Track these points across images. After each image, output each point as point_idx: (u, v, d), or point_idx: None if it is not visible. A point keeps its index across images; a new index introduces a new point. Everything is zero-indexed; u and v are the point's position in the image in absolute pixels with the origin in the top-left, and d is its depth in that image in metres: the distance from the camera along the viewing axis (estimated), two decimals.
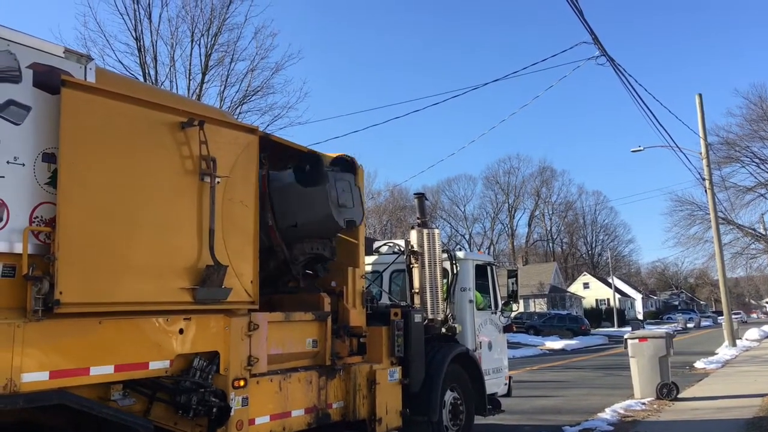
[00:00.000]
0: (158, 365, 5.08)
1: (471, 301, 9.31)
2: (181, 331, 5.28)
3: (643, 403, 12.67)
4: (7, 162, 4.33)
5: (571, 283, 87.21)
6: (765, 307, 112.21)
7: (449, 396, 8.38)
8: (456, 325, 8.80)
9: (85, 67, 4.89)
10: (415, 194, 9.60)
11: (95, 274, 4.64)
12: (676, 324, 62.60)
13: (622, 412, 11.82)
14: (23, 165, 4.41)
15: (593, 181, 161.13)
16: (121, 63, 23.99)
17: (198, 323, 5.44)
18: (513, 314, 10.32)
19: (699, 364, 21.61)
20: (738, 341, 30.89)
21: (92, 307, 4.60)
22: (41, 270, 4.37)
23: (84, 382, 4.56)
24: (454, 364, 8.39)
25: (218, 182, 5.59)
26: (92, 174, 4.69)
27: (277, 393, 6.22)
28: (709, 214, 44.99)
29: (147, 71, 24.32)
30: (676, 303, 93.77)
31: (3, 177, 4.29)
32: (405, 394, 7.65)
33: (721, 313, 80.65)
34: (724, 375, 18.84)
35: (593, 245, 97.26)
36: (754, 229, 52.07)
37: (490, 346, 9.67)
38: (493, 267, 10.08)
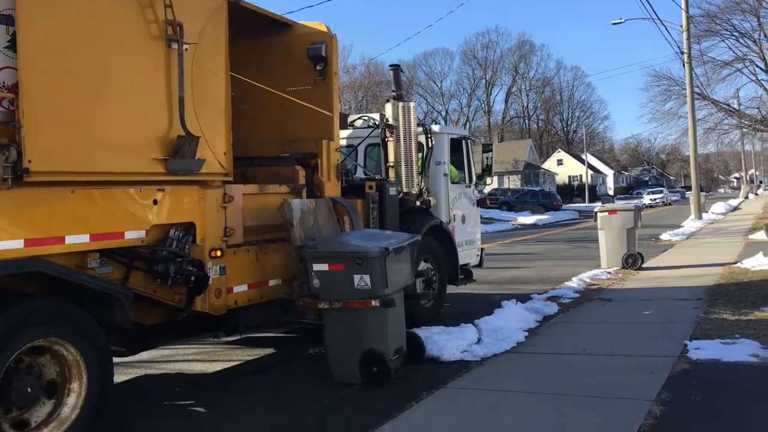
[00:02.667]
0: (134, 235, 5.11)
1: (445, 175, 9.36)
2: (155, 202, 5.27)
3: (609, 273, 13.06)
4: None
5: (545, 160, 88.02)
6: (732, 182, 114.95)
7: (423, 266, 8.60)
8: (430, 199, 8.89)
9: None
10: (390, 66, 9.39)
11: (64, 143, 4.55)
12: (643, 199, 63.93)
13: (588, 280, 12.18)
14: None
15: (572, 56, 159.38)
16: None
17: (172, 194, 5.43)
18: (487, 189, 10.42)
19: (664, 236, 22.03)
20: (704, 214, 31.69)
21: (62, 176, 4.54)
22: (7, 138, 4.26)
23: (60, 250, 4.57)
24: (428, 236, 8.54)
25: (186, 49, 5.40)
26: (54, 37, 4.48)
27: (254, 263, 6.33)
28: (685, 89, 44.99)
29: None
30: (647, 179, 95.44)
31: None
32: None
33: (689, 188, 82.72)
34: (688, 246, 19.37)
35: (569, 122, 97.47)
36: (728, 105, 52.24)
37: (463, 219, 9.83)
38: (468, 141, 10.07)
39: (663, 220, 32.34)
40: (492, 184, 10.43)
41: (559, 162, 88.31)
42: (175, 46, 5.32)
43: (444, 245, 8.99)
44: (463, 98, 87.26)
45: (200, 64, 5.61)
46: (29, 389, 4.43)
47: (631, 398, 5.42)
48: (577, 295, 10.79)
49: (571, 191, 72.83)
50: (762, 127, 52.79)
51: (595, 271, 13.25)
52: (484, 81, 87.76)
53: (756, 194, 66.70)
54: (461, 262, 9.47)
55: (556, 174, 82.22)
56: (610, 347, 7.23)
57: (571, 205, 59.55)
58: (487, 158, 10.14)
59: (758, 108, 52.97)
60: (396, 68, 9.20)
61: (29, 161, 4.28)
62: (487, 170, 10.17)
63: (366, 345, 6.04)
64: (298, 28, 7.71)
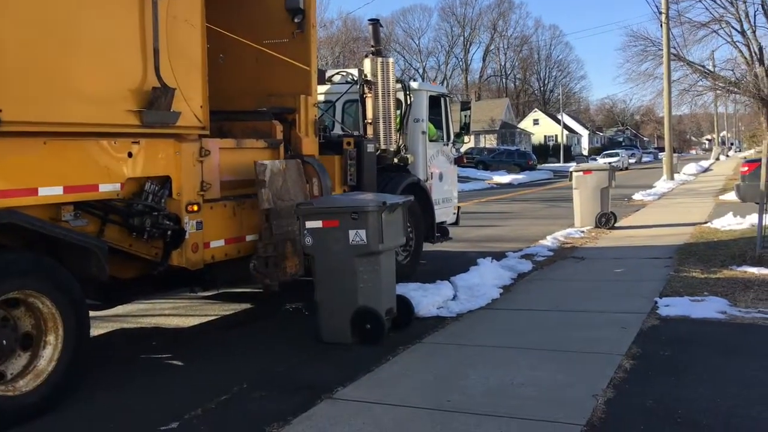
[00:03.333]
0: (108, 188, 5.03)
1: (424, 133, 9.32)
2: (130, 155, 5.20)
3: (582, 231, 13.24)
4: None
5: (521, 120, 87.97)
6: (704, 143, 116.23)
7: None
8: (408, 156, 8.86)
9: None
10: (369, 20, 9.24)
11: (35, 92, 4.45)
12: (619, 159, 64.17)
13: (561, 239, 12.35)
14: None
15: (551, 14, 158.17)
16: None
17: (147, 147, 5.35)
18: (464, 147, 10.41)
19: (637, 196, 22.23)
20: (676, 175, 32.05)
21: (34, 126, 4.45)
22: None
23: (32, 202, 4.50)
24: (404, 193, 8.53)
25: None
26: None
27: (231, 218, 6.29)
28: (661, 49, 45.02)
29: None
30: (621, 139, 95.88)
31: None
32: None
33: (662, 149, 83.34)
34: (660, 206, 19.61)
35: (546, 81, 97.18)
36: (703, 66, 52.58)
37: (440, 177, 9.83)
38: (447, 99, 10.01)
39: (635, 181, 32.68)
40: (469, 142, 10.40)
41: (536, 122, 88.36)
42: None
43: (421, 203, 9.00)
44: (441, 56, 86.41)
45: (175, 13, 5.48)
46: (4, 341, 4.41)
47: (602, 353, 5.55)
48: (551, 253, 10.92)
49: (547, 151, 73.00)
50: (735, 89, 53.30)
51: (568, 230, 13.40)
52: (462, 38, 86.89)
53: (727, 156, 67.57)
54: (438, 220, 9.50)
55: (532, 134, 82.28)
56: (582, 304, 7.35)
57: (547, 165, 59.79)
58: (465, 116, 10.10)
59: (732, 70, 53.31)
60: (375, 23, 9.07)
61: (0, 110, 4.18)
62: (465, 128, 10.14)
63: (361, 301, 6.00)
64: None
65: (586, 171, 14.18)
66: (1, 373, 4.43)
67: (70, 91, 4.68)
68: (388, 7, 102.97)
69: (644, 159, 71.10)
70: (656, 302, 7.06)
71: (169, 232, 5.47)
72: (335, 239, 5.98)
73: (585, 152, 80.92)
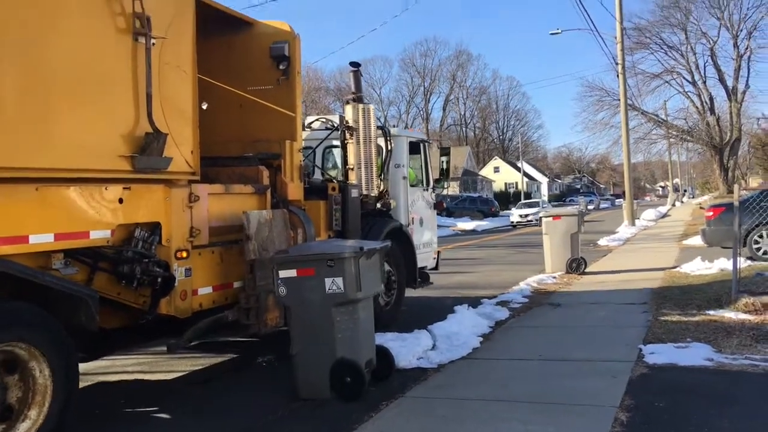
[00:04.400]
0: (99, 234, 4.90)
1: (405, 178, 9.36)
2: (120, 201, 5.08)
3: (554, 277, 13.17)
4: None
5: (482, 167, 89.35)
6: (658, 190, 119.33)
7: (384, 269, 8.54)
8: (391, 201, 8.86)
9: None
10: (350, 64, 9.29)
11: (27, 137, 4.33)
12: (578, 206, 65.48)
13: (535, 285, 12.24)
14: None
15: (508, 66, 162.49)
16: None
17: (138, 193, 5.24)
18: (444, 192, 10.47)
19: (602, 242, 22.41)
20: (636, 221, 32.66)
21: (27, 172, 4.33)
22: None
23: (23, 250, 4.34)
24: (387, 238, 8.50)
25: (153, 44, 5.23)
26: (15, 29, 4.26)
27: (219, 265, 6.17)
28: (616, 99, 46.35)
29: None
30: (579, 186, 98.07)
31: None
32: None
33: (619, 196, 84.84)
34: (626, 251, 19.84)
35: (504, 130, 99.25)
36: (656, 115, 54.50)
37: (421, 222, 9.84)
38: (426, 144, 10.10)
39: (598, 227, 33.16)
40: (449, 188, 10.45)
41: (496, 169, 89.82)
42: (142, 40, 5.14)
43: (403, 248, 8.98)
44: (402, 105, 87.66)
45: (167, 59, 5.44)
46: None
47: (594, 405, 5.32)
48: (526, 300, 10.80)
49: (508, 198, 74.11)
50: (689, 138, 55.20)
51: (540, 276, 13.33)
52: (422, 88, 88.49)
53: (682, 202, 69.32)
54: (419, 264, 9.48)
55: (493, 181, 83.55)
56: (565, 352, 7.16)
57: (508, 211, 60.47)
58: (444, 162, 10.19)
59: (685, 119, 55.49)
60: (356, 71, 9.15)
61: None
62: (444, 174, 10.22)
63: (339, 353, 5.66)
64: (259, 26, 7.57)
65: (556, 216, 14.20)
66: None
67: (63, 137, 4.56)
68: (349, 58, 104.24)
69: (602, 205, 72.55)
70: (641, 349, 6.91)
71: (159, 280, 5.32)
72: (311, 288, 5.67)
73: (545, 198, 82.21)
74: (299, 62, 7.51)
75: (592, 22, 61.49)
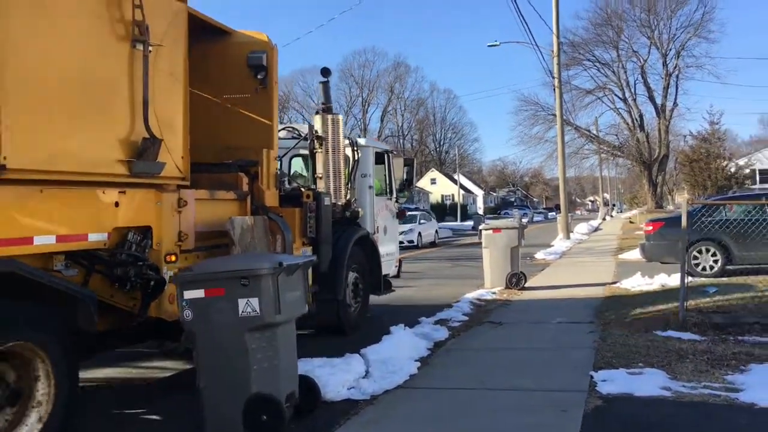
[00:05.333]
0: (97, 237, 4.97)
1: (371, 187, 9.62)
2: (116, 204, 5.16)
3: (494, 293, 12.60)
4: None
5: (419, 179, 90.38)
6: (588, 204, 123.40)
7: (351, 276, 8.79)
8: (359, 210, 9.11)
9: None
10: (321, 73, 9.50)
11: (36, 141, 4.42)
12: (512, 218, 66.99)
13: (474, 301, 11.62)
14: None
15: (445, 78, 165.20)
16: None
17: (132, 197, 5.33)
18: (404, 200, 10.77)
19: (539, 255, 22.23)
20: (571, 234, 33.49)
21: (35, 174, 4.40)
22: None
23: (28, 251, 4.40)
24: (356, 246, 8.75)
25: (150, 51, 5.34)
26: (29, 39, 4.36)
27: None
28: (551, 114, 47.74)
29: None
30: (513, 200, 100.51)
31: None
32: (314, 274, 7.93)
33: (551, 209, 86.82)
34: (564, 265, 19.59)
35: (441, 143, 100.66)
36: (589, 131, 56.55)
37: (385, 231, 10.12)
38: (390, 155, 10.40)
39: (533, 240, 32.70)
40: (411, 196, 10.75)
41: (433, 181, 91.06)
42: (140, 47, 5.25)
43: (369, 256, 9.22)
44: (340, 115, 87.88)
45: (161, 66, 5.56)
46: None
47: None
48: (466, 318, 10.12)
49: (444, 210, 75.31)
50: (619, 153, 57.45)
51: (480, 291, 12.76)
52: (360, 99, 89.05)
53: (611, 216, 71.80)
54: (383, 272, 9.73)
55: (430, 193, 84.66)
56: (510, 380, 6.54)
57: (445, 223, 61.44)
58: (407, 172, 10.50)
59: (616, 135, 57.79)
60: (326, 82, 9.38)
61: (5, 158, 4.12)
62: (407, 184, 10.54)
63: (255, 387, 4.88)
64: (237, 35, 7.71)
65: (496, 230, 13.46)
66: None
67: (69, 140, 4.67)
68: (287, 67, 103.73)
69: (536, 218, 74.42)
70: (592, 376, 6.32)
71: (151, 283, 5.41)
72: (221, 311, 4.89)
73: (480, 211, 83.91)
74: (276, 72, 7.69)
75: (531, 34, 63.42)
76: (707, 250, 13.83)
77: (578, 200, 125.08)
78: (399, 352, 7.11)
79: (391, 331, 7.74)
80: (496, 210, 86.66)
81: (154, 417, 5.79)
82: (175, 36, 5.73)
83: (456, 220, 68.67)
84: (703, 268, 13.80)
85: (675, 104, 53.16)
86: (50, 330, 4.43)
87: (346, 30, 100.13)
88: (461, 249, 27.99)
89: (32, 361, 4.38)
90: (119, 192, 5.18)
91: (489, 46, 32.45)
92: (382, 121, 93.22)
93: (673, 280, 11.76)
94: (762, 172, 49.54)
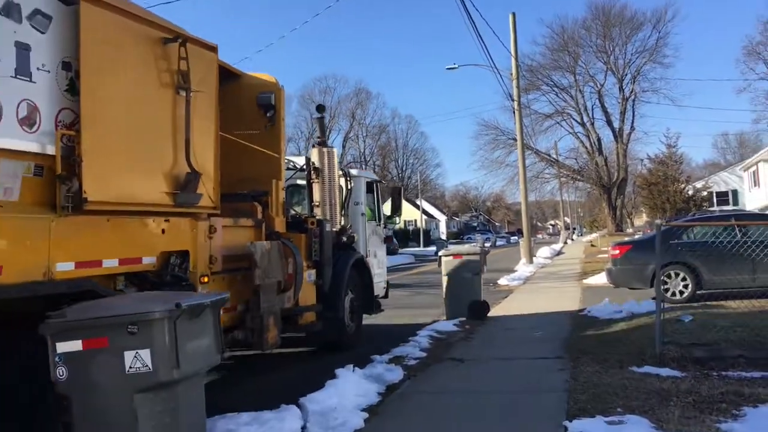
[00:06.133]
0: (148, 260, 5.67)
1: (363, 214, 10.43)
2: (163, 231, 5.86)
3: (455, 324, 11.38)
4: (37, 68, 4.61)
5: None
6: (548, 228, 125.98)
7: (348, 296, 9.54)
8: (354, 234, 9.89)
9: None
10: (317, 109, 10.35)
11: (108, 177, 5.12)
12: (475, 243, 68.14)
13: (434, 334, 10.46)
14: (49, 72, 4.71)
15: (407, 104, 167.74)
16: None
17: (174, 225, 6.03)
18: (393, 226, 11.55)
19: (503, 281, 21.72)
20: (534, 258, 33.75)
21: (107, 206, 5.09)
22: (67, 171, 4.76)
23: (98, 272, 5.07)
24: (353, 269, 9.52)
25: (192, 96, 6.09)
26: (105, 84, 5.09)
27: (227, 289, 6.93)
28: (511, 138, 48.81)
29: None
30: (475, 224, 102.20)
31: (35, 83, 4.58)
32: (317, 294, 8.69)
33: (514, 233, 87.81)
34: (528, 291, 19.03)
35: (404, 168, 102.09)
36: (549, 155, 58.04)
37: (375, 254, 10.92)
38: (378, 184, 11.24)
39: (495, 264, 29.93)
40: (399, 223, 11.58)
41: None
42: (183, 93, 6.01)
43: (363, 278, 9.99)
44: (302, 142, 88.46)
45: (198, 109, 6.30)
46: None
47: None
48: (424, 354, 9.02)
49: (407, 235, 76.20)
50: (579, 177, 59.07)
51: (440, 323, 11.57)
52: None
53: (572, 239, 73.51)
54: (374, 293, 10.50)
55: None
56: None
57: (407, 249, 62.23)
58: (395, 200, 11.34)
59: (576, 159, 59.45)
60: (321, 118, 10.20)
61: (85, 192, 4.81)
62: (396, 210, 11.37)
63: None
64: (246, 77, 8.50)
65: (456, 255, 12.51)
66: None
67: (134, 176, 5.39)
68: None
69: (498, 243, 75.88)
70: (566, 428, 5.49)
71: None
72: (103, 368, 3.98)
73: (443, 236, 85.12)
74: (284, 110, 8.50)
75: (490, 56, 64.87)
76: (677, 275, 13.15)
77: (539, 224, 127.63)
78: (343, 400, 6.22)
79: (336, 374, 6.89)
80: (459, 235, 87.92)
81: None
82: (208, 81, 6.48)
83: (419, 246, 69.62)
84: (673, 294, 13.05)
85: (632, 128, 54.67)
86: None
87: (304, 56, 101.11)
88: (422, 276, 26.95)
89: None
90: (165, 220, 5.89)
91: (447, 69, 32.54)
92: (344, 147, 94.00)
93: (644, 307, 11.41)
94: (719, 194, 51.20)
